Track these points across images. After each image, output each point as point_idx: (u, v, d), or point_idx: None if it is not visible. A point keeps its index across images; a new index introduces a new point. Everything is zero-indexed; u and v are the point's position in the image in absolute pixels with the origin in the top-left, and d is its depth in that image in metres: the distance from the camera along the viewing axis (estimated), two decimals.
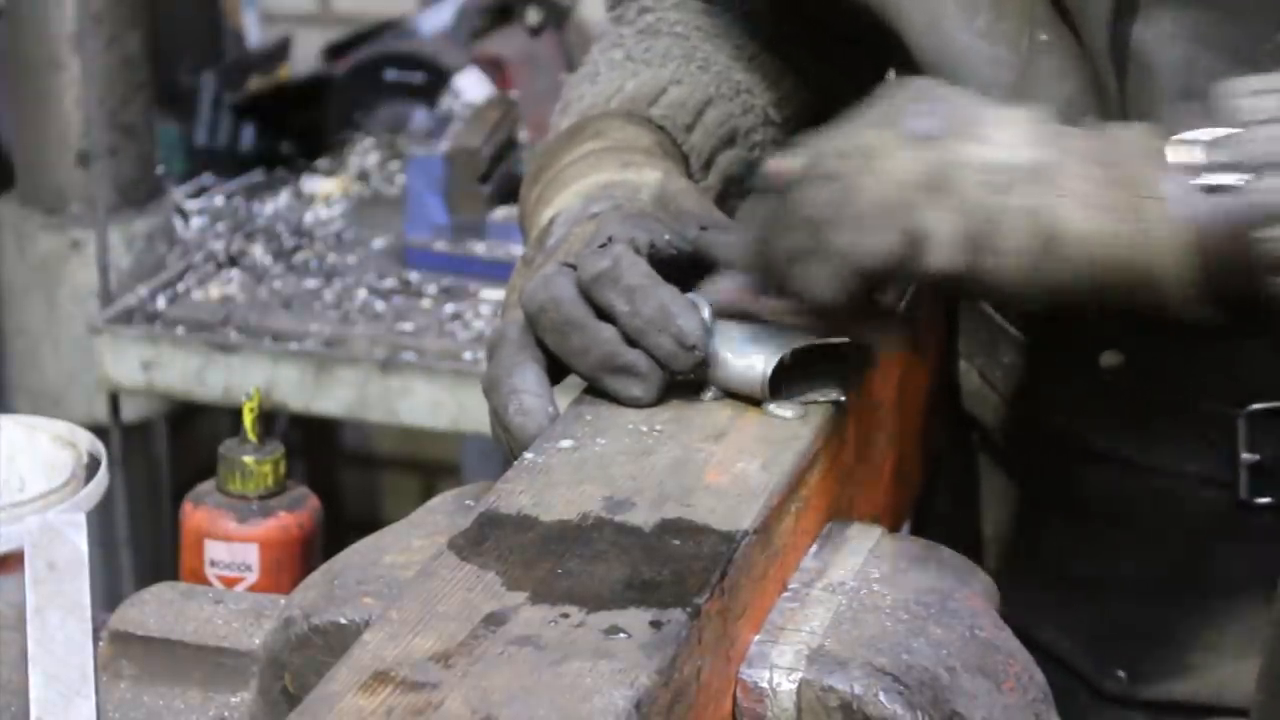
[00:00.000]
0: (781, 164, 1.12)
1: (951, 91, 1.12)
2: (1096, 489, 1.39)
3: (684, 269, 1.22)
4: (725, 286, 1.21)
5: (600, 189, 1.29)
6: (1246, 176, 1.06)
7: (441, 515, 1.17)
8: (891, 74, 1.51)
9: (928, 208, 1.06)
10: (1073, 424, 1.38)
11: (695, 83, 1.43)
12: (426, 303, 2.60)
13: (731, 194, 1.44)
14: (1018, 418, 1.43)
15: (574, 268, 1.18)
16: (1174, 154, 1.07)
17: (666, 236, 1.21)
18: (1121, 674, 1.41)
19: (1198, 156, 1.07)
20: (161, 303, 2.62)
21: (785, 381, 1.17)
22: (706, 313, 1.16)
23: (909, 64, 1.35)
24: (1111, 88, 1.26)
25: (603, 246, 1.17)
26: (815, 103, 1.52)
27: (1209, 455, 1.33)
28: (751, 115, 1.46)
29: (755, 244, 1.14)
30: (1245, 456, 1.31)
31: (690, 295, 1.18)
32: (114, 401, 2.66)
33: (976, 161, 1.07)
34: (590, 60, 1.49)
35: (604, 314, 1.16)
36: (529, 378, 1.16)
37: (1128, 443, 1.36)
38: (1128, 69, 1.26)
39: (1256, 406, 1.30)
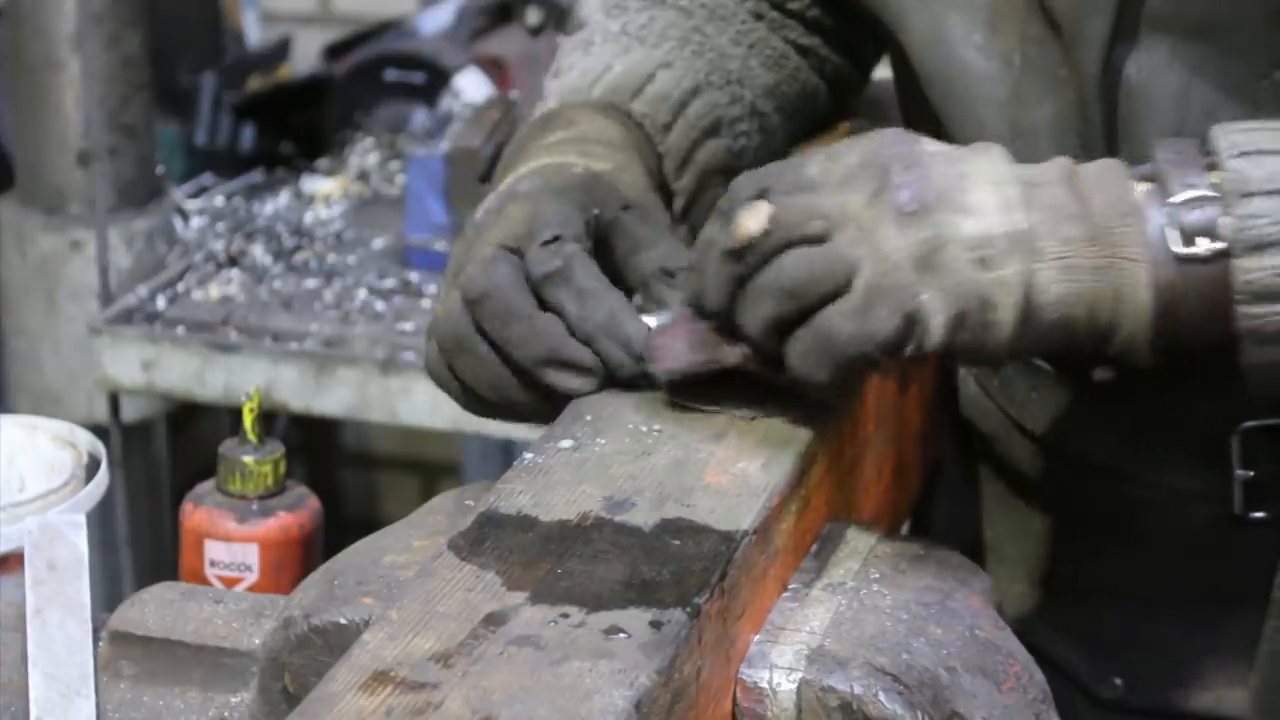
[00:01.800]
0: (752, 222, 1.09)
1: (927, 147, 1.11)
2: (1091, 500, 1.39)
3: (599, 246, 1.23)
4: (676, 321, 1.18)
5: (537, 168, 1.29)
6: (1220, 247, 1.06)
7: (441, 515, 1.17)
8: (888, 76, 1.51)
9: (923, 288, 1.06)
10: (1066, 436, 1.38)
11: (686, 68, 1.42)
12: (426, 303, 2.60)
13: (712, 184, 1.44)
14: (1014, 427, 1.43)
15: (514, 252, 1.19)
16: (1150, 214, 1.08)
17: (595, 211, 1.22)
18: (1118, 682, 1.41)
19: (1173, 220, 1.07)
20: (161, 303, 2.61)
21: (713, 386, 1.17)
22: (654, 322, 1.18)
23: (913, 71, 1.35)
24: (1097, 113, 1.26)
25: (550, 242, 1.18)
26: (816, 88, 1.51)
27: (1202, 471, 1.33)
28: (739, 106, 1.45)
29: (717, 295, 1.12)
30: (1239, 473, 1.31)
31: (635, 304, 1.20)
32: (114, 401, 2.66)
33: (965, 236, 1.07)
34: (589, 24, 1.49)
35: (547, 306, 1.18)
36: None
37: (1121, 457, 1.36)
38: (1118, 95, 1.25)
39: (1250, 424, 1.30)
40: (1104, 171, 1.11)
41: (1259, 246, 1.05)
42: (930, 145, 1.11)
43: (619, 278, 1.23)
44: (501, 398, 1.21)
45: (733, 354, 1.14)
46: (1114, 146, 1.26)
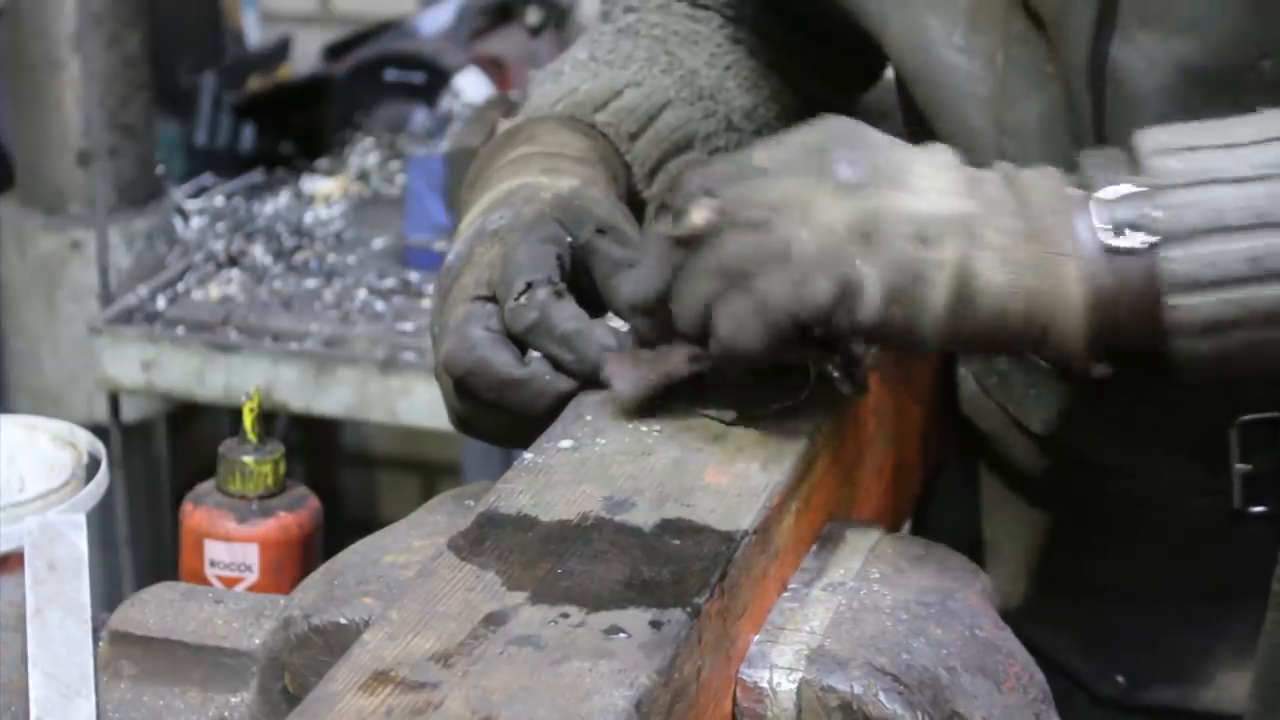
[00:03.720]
0: (696, 215, 1.09)
1: (872, 134, 1.11)
2: (1091, 496, 1.39)
3: (576, 270, 1.23)
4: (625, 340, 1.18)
5: (504, 195, 1.29)
6: (1150, 240, 1.07)
7: (441, 515, 1.17)
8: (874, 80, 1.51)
9: (860, 258, 1.06)
10: (1064, 433, 1.38)
11: (654, 86, 1.42)
12: (426, 303, 2.60)
13: None
14: (1012, 424, 1.43)
15: (490, 299, 1.19)
16: (1082, 210, 1.08)
17: (568, 239, 1.22)
18: (1120, 679, 1.41)
19: (1105, 216, 1.07)
20: (161, 303, 2.62)
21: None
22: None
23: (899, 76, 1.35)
24: (1086, 107, 1.26)
25: (524, 293, 1.17)
26: (795, 112, 1.51)
27: (1201, 465, 1.33)
28: (713, 120, 1.45)
29: (655, 283, 1.12)
30: (1238, 467, 1.31)
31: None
32: (114, 401, 2.66)
33: (905, 212, 1.07)
34: (561, 57, 1.49)
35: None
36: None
37: (1119, 453, 1.36)
38: (1105, 89, 1.25)
39: (1247, 417, 1.30)
40: (1040, 174, 1.11)
41: (1183, 236, 1.06)
42: (875, 132, 1.12)
43: (599, 300, 1.23)
44: (532, 438, 1.21)
45: (680, 361, 1.14)
46: (1104, 140, 1.26)
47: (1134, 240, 1.07)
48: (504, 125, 1.41)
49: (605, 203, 1.27)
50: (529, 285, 1.18)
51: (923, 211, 1.07)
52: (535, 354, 1.18)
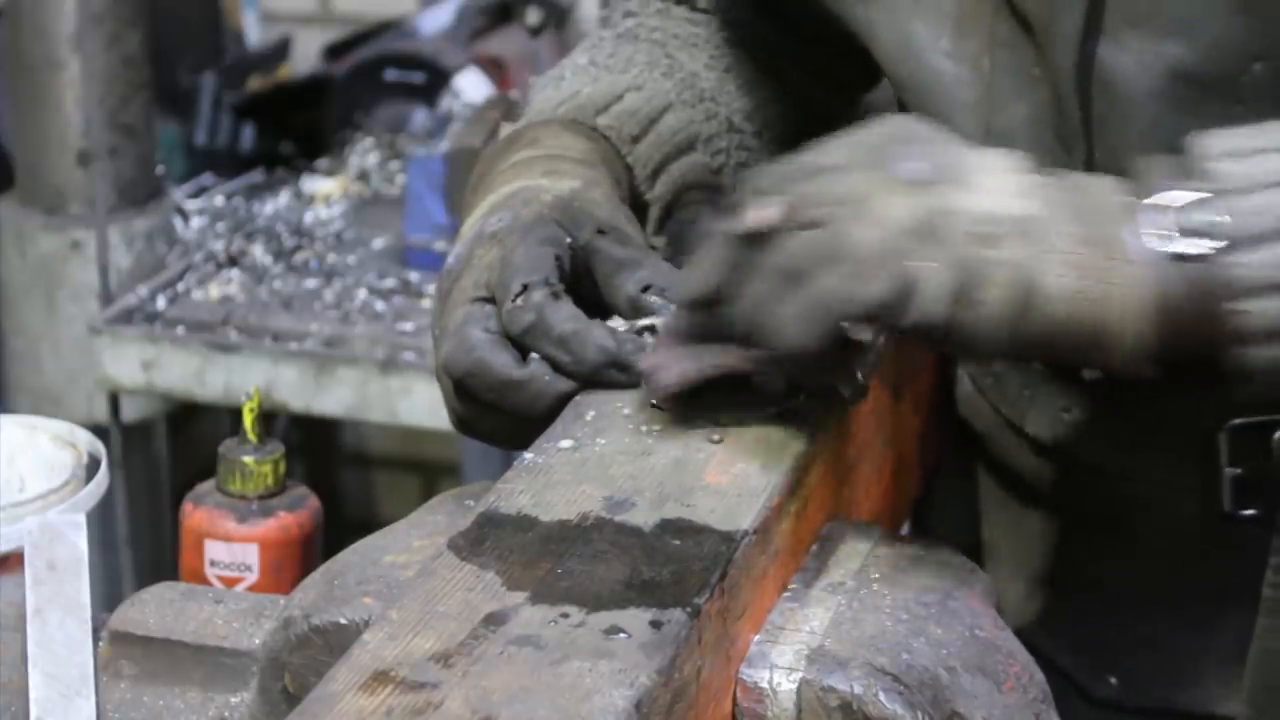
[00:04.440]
0: (761, 213, 1.09)
1: (934, 132, 1.11)
2: (1084, 497, 1.39)
3: (576, 271, 1.23)
4: (663, 336, 1.17)
5: (504, 199, 1.29)
6: (1217, 245, 1.06)
7: (441, 515, 1.17)
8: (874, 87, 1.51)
9: (919, 256, 1.05)
10: (1058, 435, 1.38)
11: (655, 89, 1.42)
12: (426, 303, 2.60)
13: (690, 200, 1.44)
14: (1007, 426, 1.43)
15: (489, 301, 1.19)
16: (1145, 217, 1.07)
17: (568, 240, 1.22)
18: (1113, 680, 1.41)
19: (1169, 222, 1.07)
20: (161, 303, 2.62)
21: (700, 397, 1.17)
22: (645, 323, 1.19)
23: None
24: (1074, 110, 1.26)
25: (521, 295, 1.17)
26: (795, 113, 1.51)
27: (1192, 468, 1.33)
28: (715, 122, 1.45)
29: (711, 278, 1.11)
30: (1228, 470, 1.31)
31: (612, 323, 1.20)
32: (114, 401, 2.66)
33: (968, 211, 1.06)
34: (561, 63, 1.49)
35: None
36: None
37: (1112, 454, 1.36)
38: (1093, 93, 1.25)
39: (1237, 421, 1.30)
40: (1099, 180, 1.11)
41: (1251, 241, 1.05)
42: (938, 131, 1.11)
43: (600, 300, 1.23)
44: (532, 438, 1.21)
45: (727, 357, 1.13)
46: (1091, 143, 1.26)
47: (1199, 246, 1.06)
48: (505, 129, 1.41)
49: (606, 204, 1.27)
50: (525, 287, 1.17)
51: (985, 210, 1.06)
52: (535, 355, 1.18)
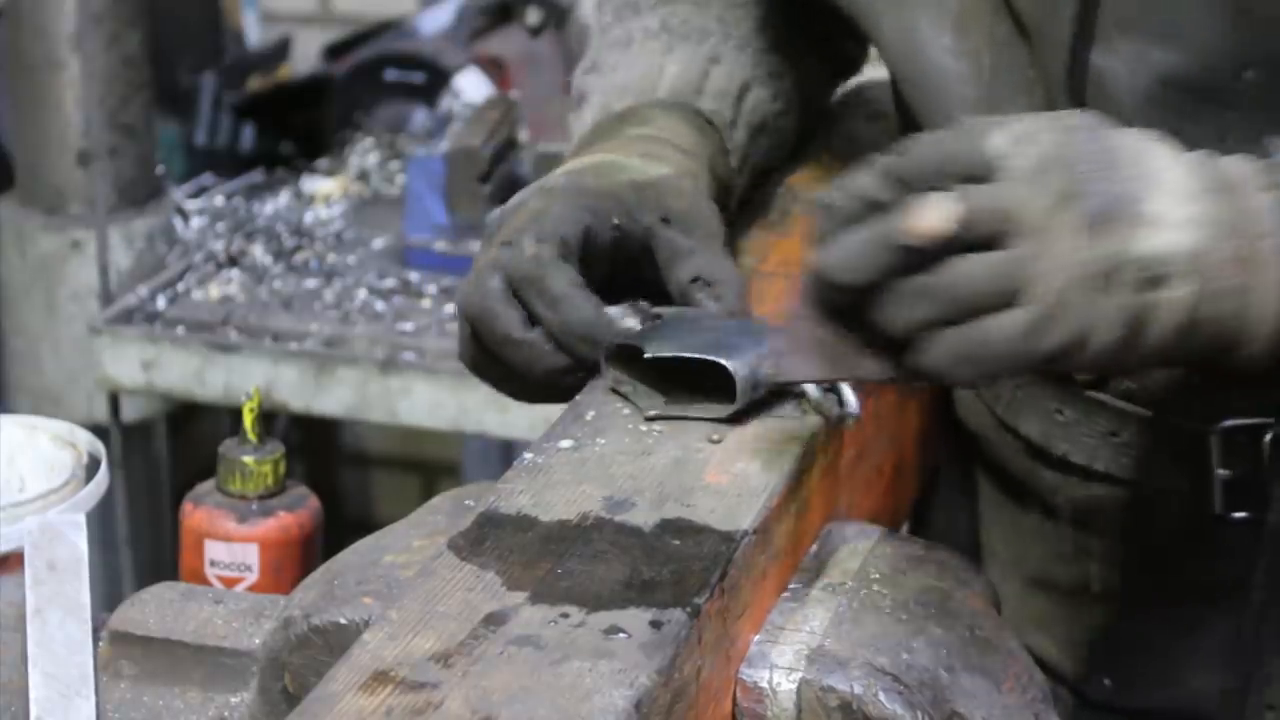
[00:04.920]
0: (933, 218, 1.02)
1: (1118, 142, 1.06)
2: (1076, 499, 1.39)
3: (634, 252, 1.24)
4: (793, 321, 1.09)
5: (586, 165, 1.30)
6: None
7: (441, 515, 1.17)
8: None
9: (1097, 306, 1.02)
10: (1050, 436, 1.38)
11: (734, 63, 1.43)
12: (426, 303, 2.61)
13: (755, 183, 1.46)
14: (1001, 427, 1.43)
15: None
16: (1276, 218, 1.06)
17: (615, 220, 1.23)
18: (1107, 681, 1.41)
19: None
20: (161, 303, 2.62)
21: (680, 387, 1.17)
22: (630, 322, 1.20)
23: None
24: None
25: (533, 245, 1.20)
26: (825, 74, 1.52)
27: (1183, 471, 1.33)
28: (781, 100, 1.46)
29: (861, 274, 1.03)
30: (1219, 473, 1.31)
31: (622, 307, 1.21)
32: (114, 401, 2.66)
33: (1144, 256, 1.03)
34: (621, 18, 1.48)
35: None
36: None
37: (1103, 456, 1.36)
38: (1085, 97, 1.25)
39: (1228, 424, 1.30)
40: (1248, 179, 1.08)
41: None
42: (1117, 140, 1.06)
43: (627, 284, 1.25)
44: (533, 396, 1.23)
45: (872, 368, 1.07)
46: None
47: None
48: (595, 103, 1.42)
49: (688, 193, 1.28)
50: (539, 241, 1.20)
51: (1159, 252, 1.04)
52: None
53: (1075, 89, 1.24)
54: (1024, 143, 1.04)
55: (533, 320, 1.21)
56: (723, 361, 1.14)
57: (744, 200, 1.45)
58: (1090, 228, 1.02)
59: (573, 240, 1.21)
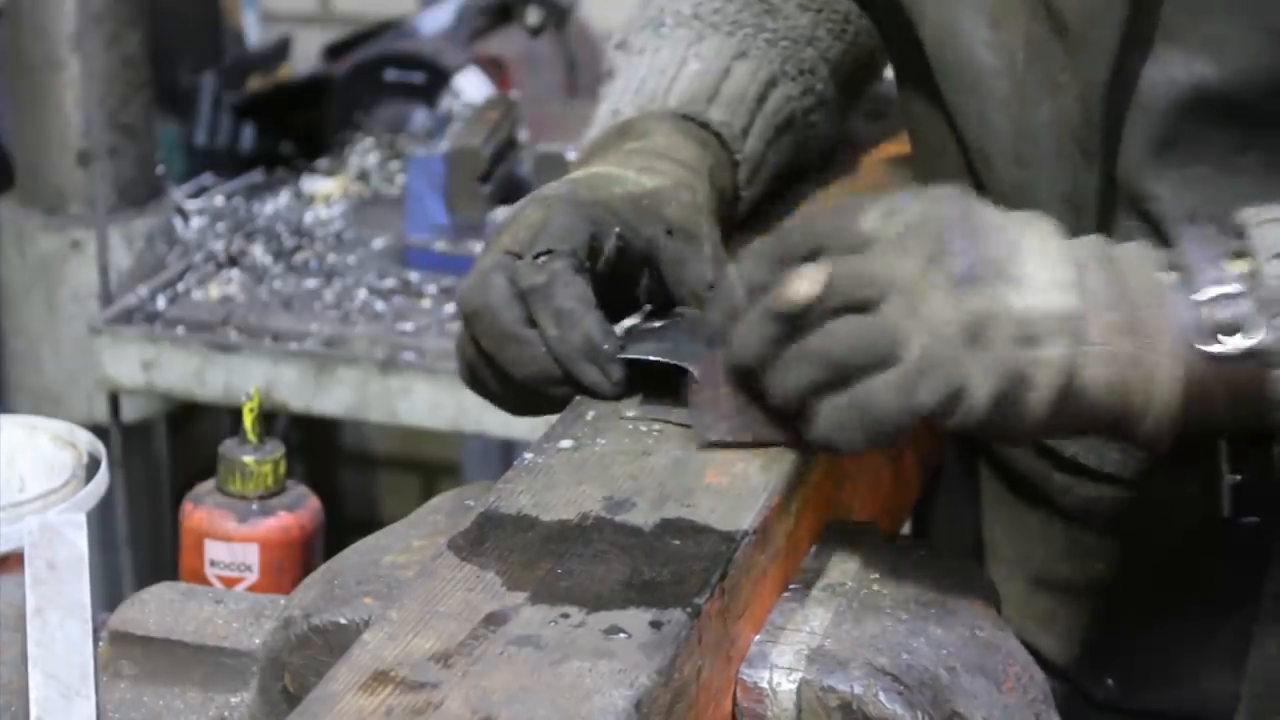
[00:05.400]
0: (800, 287, 1.07)
1: (984, 212, 1.09)
2: (1084, 500, 1.39)
3: (635, 264, 1.24)
4: (710, 368, 1.14)
5: (586, 176, 1.30)
6: (1251, 344, 1.06)
7: (441, 515, 1.17)
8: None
9: (969, 362, 1.05)
10: (1059, 439, 1.38)
11: (761, 58, 1.43)
12: (426, 303, 2.60)
13: (773, 186, 1.46)
14: None
15: (517, 256, 1.20)
16: (1184, 311, 1.07)
17: (617, 229, 1.22)
18: (1110, 682, 1.41)
19: (1203, 319, 1.07)
20: (161, 303, 2.61)
21: (652, 391, 1.17)
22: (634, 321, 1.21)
23: (921, 69, 1.35)
24: (1098, 119, 1.25)
25: (543, 255, 1.19)
26: (878, 53, 1.52)
27: (1191, 474, 1.33)
28: (810, 96, 1.46)
29: (753, 351, 1.09)
30: (1228, 477, 1.31)
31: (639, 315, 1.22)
32: (114, 401, 2.66)
33: (1014, 313, 1.05)
34: (656, 2, 1.48)
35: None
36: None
37: (1112, 459, 1.36)
38: (1123, 104, 1.25)
39: None
40: (1137, 257, 1.10)
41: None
42: (985, 210, 1.10)
43: (627, 294, 1.25)
44: (523, 407, 1.22)
45: (772, 435, 1.12)
46: (1110, 155, 1.25)
47: (1236, 345, 1.07)
48: (609, 109, 1.42)
49: (686, 205, 1.28)
50: (548, 252, 1.19)
51: (1031, 310, 1.05)
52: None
53: (1113, 95, 1.24)
54: (893, 215, 1.08)
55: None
56: (688, 368, 1.14)
57: (762, 205, 1.44)
58: (957, 286, 1.05)
59: (582, 252, 1.21)
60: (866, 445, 1.07)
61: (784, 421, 1.11)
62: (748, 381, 1.11)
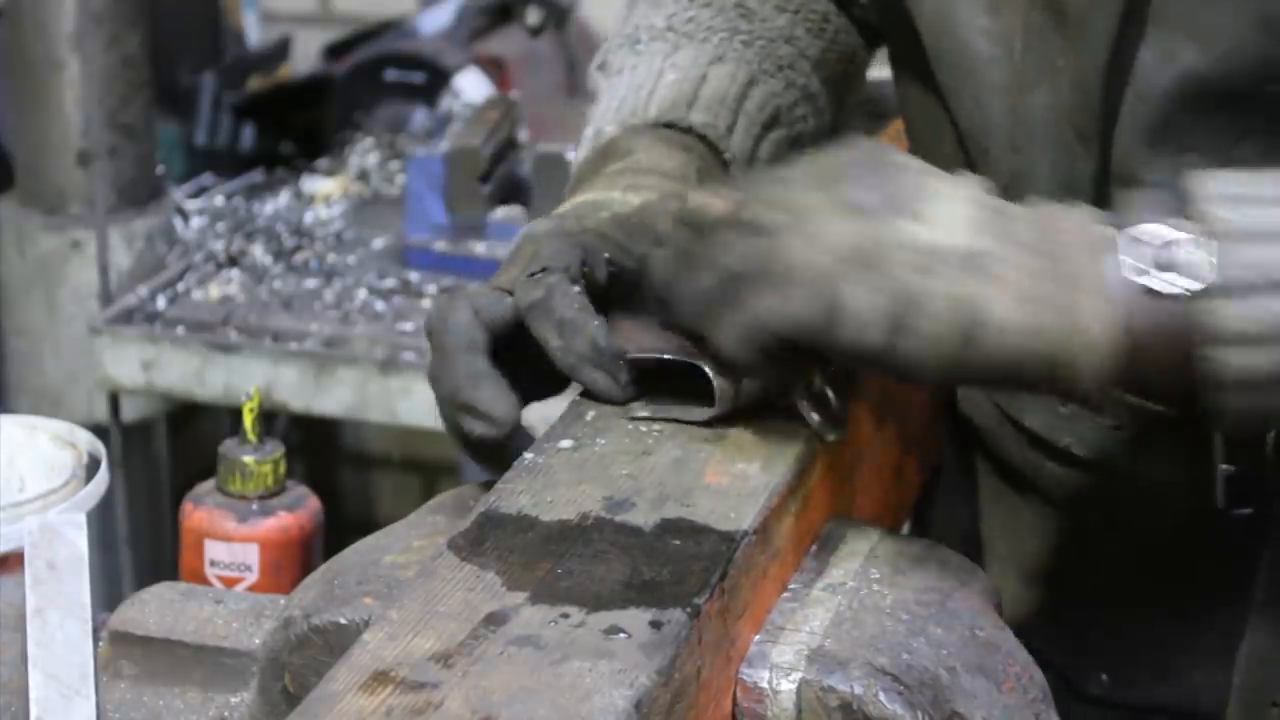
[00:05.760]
0: (709, 200, 1.10)
1: (901, 160, 1.11)
2: (1078, 493, 1.39)
3: (631, 286, 1.23)
4: (632, 323, 1.19)
5: (573, 207, 1.30)
6: (1196, 287, 1.05)
7: (441, 515, 1.17)
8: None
9: (851, 281, 1.05)
10: (1053, 429, 1.38)
11: (738, 60, 1.43)
12: (426, 303, 2.61)
13: None
14: (1004, 420, 1.43)
15: (508, 293, 1.20)
16: (1123, 248, 1.07)
17: (606, 255, 1.23)
18: (1104, 677, 1.41)
19: (1146, 256, 1.06)
20: (161, 303, 2.62)
21: (657, 391, 1.17)
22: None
23: (918, 58, 1.35)
24: (1096, 105, 1.25)
25: (538, 274, 1.19)
26: (860, 50, 1.52)
27: (1185, 466, 1.33)
28: (793, 91, 1.46)
29: (666, 275, 1.13)
30: (1222, 468, 1.31)
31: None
32: (114, 401, 2.66)
33: (909, 241, 1.06)
34: (632, 19, 1.49)
35: (533, 338, 1.19)
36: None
37: (1106, 450, 1.36)
38: (1120, 90, 1.25)
39: None
40: (1076, 213, 1.10)
41: (1235, 291, 1.05)
42: (905, 158, 1.11)
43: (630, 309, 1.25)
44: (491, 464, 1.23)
45: (693, 352, 1.14)
46: (1109, 144, 1.26)
47: (1176, 285, 1.05)
48: (593, 131, 1.42)
49: (670, 217, 1.28)
50: (544, 269, 1.19)
51: (928, 242, 1.06)
52: (484, 373, 1.19)
53: (1111, 81, 1.24)
54: (812, 160, 1.12)
55: (537, 353, 1.20)
56: (704, 367, 1.14)
57: None
58: (854, 214, 1.07)
59: (575, 268, 1.21)
60: (760, 360, 1.08)
61: (699, 341, 1.12)
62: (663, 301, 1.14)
